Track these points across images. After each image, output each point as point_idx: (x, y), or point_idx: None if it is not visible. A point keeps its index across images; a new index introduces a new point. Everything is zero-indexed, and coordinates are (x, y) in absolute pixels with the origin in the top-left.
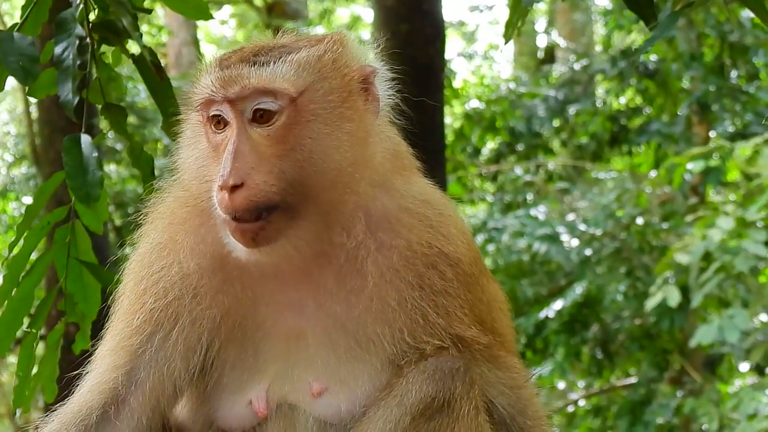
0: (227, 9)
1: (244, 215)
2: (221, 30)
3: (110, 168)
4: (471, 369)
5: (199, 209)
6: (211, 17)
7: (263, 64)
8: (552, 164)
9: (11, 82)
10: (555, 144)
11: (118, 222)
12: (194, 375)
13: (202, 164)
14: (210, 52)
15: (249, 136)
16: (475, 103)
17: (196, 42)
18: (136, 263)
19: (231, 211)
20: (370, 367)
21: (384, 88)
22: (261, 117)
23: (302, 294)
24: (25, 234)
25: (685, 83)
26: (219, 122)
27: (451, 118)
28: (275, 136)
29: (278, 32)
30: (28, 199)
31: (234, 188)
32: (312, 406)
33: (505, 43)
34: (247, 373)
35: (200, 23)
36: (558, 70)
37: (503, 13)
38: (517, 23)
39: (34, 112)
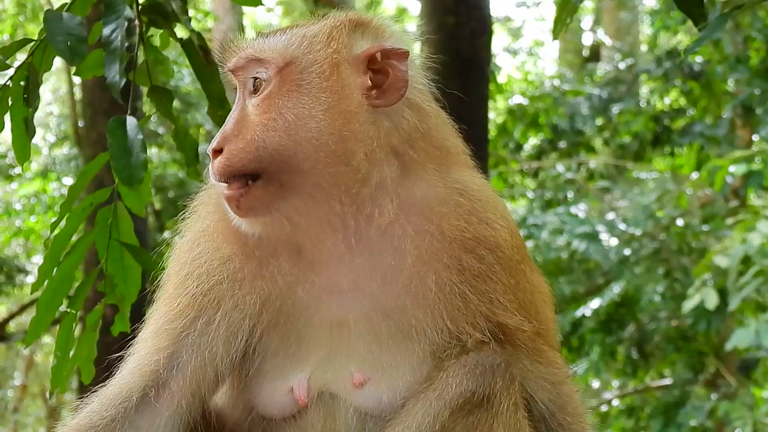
0: None
1: (222, 179)
2: (267, 17)
3: (152, 152)
4: (512, 365)
5: None
6: (260, 3)
7: (265, 37)
8: (593, 163)
9: (56, 62)
10: (597, 142)
11: (158, 206)
12: (236, 361)
13: None
14: None
15: (245, 105)
16: (518, 99)
17: (241, 28)
18: (180, 249)
19: (212, 175)
20: (412, 355)
21: (412, 73)
22: (254, 87)
23: (338, 276)
24: (66, 215)
25: (730, 86)
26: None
27: (494, 113)
28: (261, 105)
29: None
30: (69, 180)
31: (216, 153)
32: (353, 396)
33: (553, 39)
34: (289, 360)
35: (246, 10)
36: (603, 68)
37: (550, 10)
38: (566, 20)
39: (78, 93)
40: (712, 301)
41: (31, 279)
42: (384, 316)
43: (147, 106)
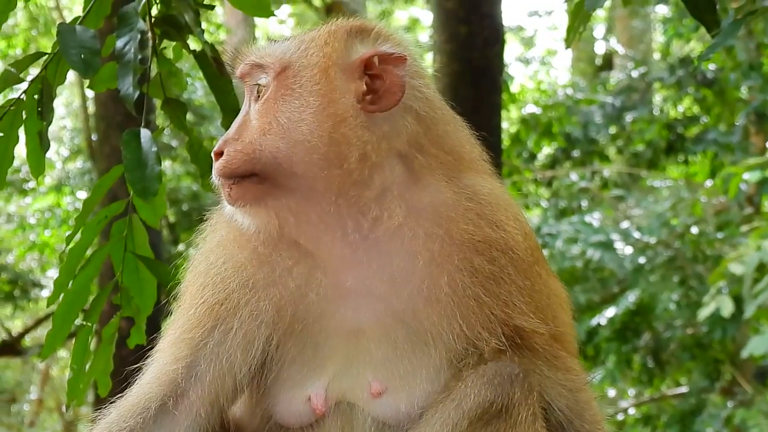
0: (286, 8)
1: (221, 180)
2: (279, 29)
3: (165, 165)
4: (530, 374)
5: None
6: (272, 14)
7: (271, 44)
8: (607, 171)
9: (69, 76)
10: (611, 151)
11: (172, 219)
12: (254, 369)
13: None
14: None
15: (249, 111)
16: (531, 108)
17: (254, 41)
18: (197, 259)
19: (214, 176)
20: (429, 362)
21: (413, 78)
22: (257, 93)
23: (341, 273)
24: (82, 228)
25: (743, 93)
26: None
27: (507, 122)
28: (261, 110)
29: None
30: (83, 194)
31: (218, 156)
32: (371, 406)
33: (566, 48)
34: (306, 369)
35: (258, 21)
36: (616, 77)
37: (562, 19)
38: (579, 28)
39: (91, 107)
40: (727, 308)
41: (45, 293)
42: (398, 321)
43: (160, 119)
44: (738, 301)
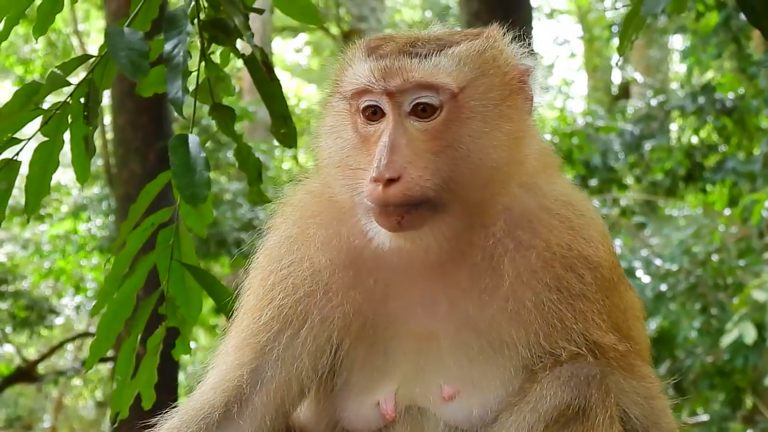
0: (302, 37)
1: (396, 209)
2: (296, 58)
3: None
4: (607, 376)
5: (334, 201)
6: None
7: (424, 56)
8: (624, 200)
9: None
10: (629, 179)
11: None
12: (322, 375)
13: (347, 154)
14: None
15: (406, 129)
16: (549, 136)
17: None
18: (264, 257)
19: (383, 203)
20: (503, 371)
21: (536, 87)
22: (420, 111)
23: (435, 291)
24: (128, 235)
25: (763, 122)
26: (375, 113)
27: None
28: (433, 131)
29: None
30: (99, 221)
31: (389, 182)
32: (442, 409)
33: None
34: (376, 374)
35: (275, 51)
36: (634, 105)
37: (579, 47)
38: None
39: (109, 133)
40: (750, 335)
41: (60, 320)
42: (476, 333)
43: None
44: (760, 328)
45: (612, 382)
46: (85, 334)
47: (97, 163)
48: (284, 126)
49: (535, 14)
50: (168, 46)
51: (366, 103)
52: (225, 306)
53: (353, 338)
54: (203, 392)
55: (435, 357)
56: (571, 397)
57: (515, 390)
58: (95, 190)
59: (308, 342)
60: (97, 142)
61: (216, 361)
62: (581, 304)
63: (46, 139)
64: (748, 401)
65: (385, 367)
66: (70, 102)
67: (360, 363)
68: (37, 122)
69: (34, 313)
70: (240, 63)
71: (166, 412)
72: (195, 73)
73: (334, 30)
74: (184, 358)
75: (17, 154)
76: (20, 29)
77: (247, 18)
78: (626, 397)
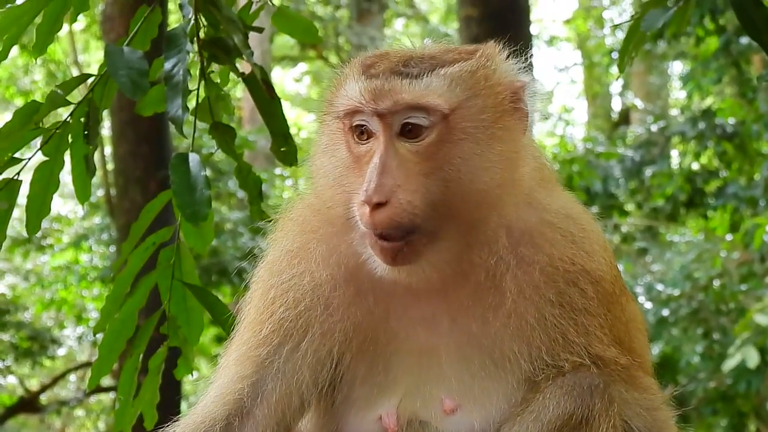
0: (301, 66)
1: (386, 233)
2: (295, 87)
3: None
4: (610, 386)
5: (333, 218)
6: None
7: (415, 76)
8: (625, 227)
9: None
10: (630, 205)
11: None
12: (323, 389)
13: (341, 173)
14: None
15: (396, 150)
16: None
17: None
18: (265, 270)
19: (371, 227)
20: (505, 384)
21: (532, 103)
22: (410, 132)
23: (437, 309)
24: (129, 255)
25: (764, 147)
26: (362, 133)
27: None
28: (424, 152)
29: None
30: (100, 251)
31: (378, 205)
32: (444, 423)
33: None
34: (377, 388)
35: (275, 80)
36: (634, 131)
37: (579, 75)
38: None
39: (109, 163)
40: (753, 359)
41: (62, 351)
42: (478, 349)
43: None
44: (763, 352)
45: (615, 392)
46: (88, 364)
47: (98, 193)
48: (284, 144)
49: (534, 41)
50: (168, 65)
51: (357, 123)
52: (226, 324)
53: (354, 353)
54: (204, 405)
55: (436, 371)
56: (574, 406)
57: (518, 401)
58: (96, 220)
59: (308, 355)
60: (98, 172)
61: (217, 375)
62: (584, 319)
63: (46, 158)
64: (752, 426)
65: (387, 382)
66: (71, 121)
67: (361, 378)
68: (37, 142)
69: (36, 344)
70: (240, 92)
71: (168, 425)
72: (195, 93)
73: (334, 59)
74: (187, 388)
75: (18, 173)
76: (20, 61)
77: (246, 36)
78: (629, 409)
